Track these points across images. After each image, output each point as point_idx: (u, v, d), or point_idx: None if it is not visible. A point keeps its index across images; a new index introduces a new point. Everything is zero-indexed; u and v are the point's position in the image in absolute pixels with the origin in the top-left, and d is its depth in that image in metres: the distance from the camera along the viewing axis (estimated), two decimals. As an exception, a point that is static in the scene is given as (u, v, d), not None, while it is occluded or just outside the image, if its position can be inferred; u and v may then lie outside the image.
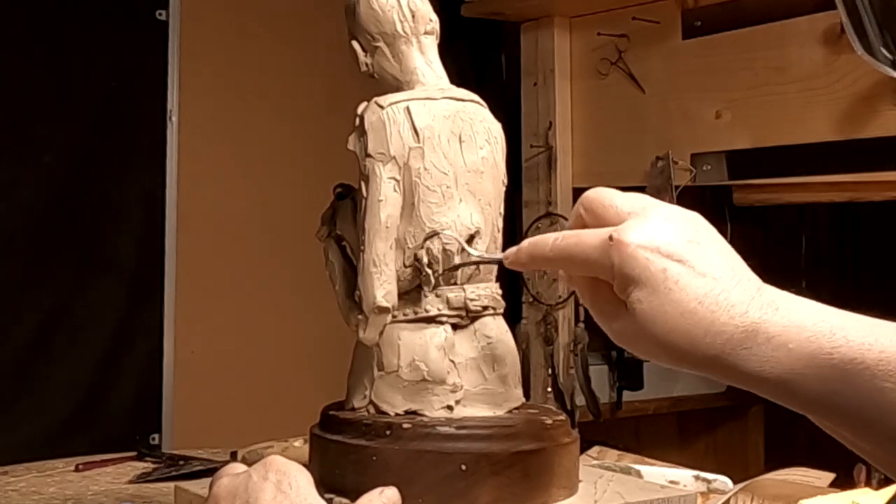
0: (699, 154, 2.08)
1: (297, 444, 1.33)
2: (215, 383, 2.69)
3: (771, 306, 0.68)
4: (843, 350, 0.66)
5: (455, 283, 0.96)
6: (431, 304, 0.95)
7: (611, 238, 0.70)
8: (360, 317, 0.94)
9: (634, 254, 0.69)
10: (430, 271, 0.93)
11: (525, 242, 0.78)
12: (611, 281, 0.71)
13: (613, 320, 0.71)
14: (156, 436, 2.60)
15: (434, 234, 0.94)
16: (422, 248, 0.94)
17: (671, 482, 1.30)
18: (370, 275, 0.92)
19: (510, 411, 0.97)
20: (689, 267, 0.69)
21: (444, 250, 0.94)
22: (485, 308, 0.97)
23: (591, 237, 0.72)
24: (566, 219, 2.34)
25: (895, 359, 0.66)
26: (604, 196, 0.75)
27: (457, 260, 0.94)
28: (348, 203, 1.01)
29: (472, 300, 0.95)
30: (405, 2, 1.00)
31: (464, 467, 0.87)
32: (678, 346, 0.68)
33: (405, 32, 0.99)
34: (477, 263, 0.95)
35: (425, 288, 0.94)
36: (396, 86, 0.99)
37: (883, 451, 0.70)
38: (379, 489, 0.78)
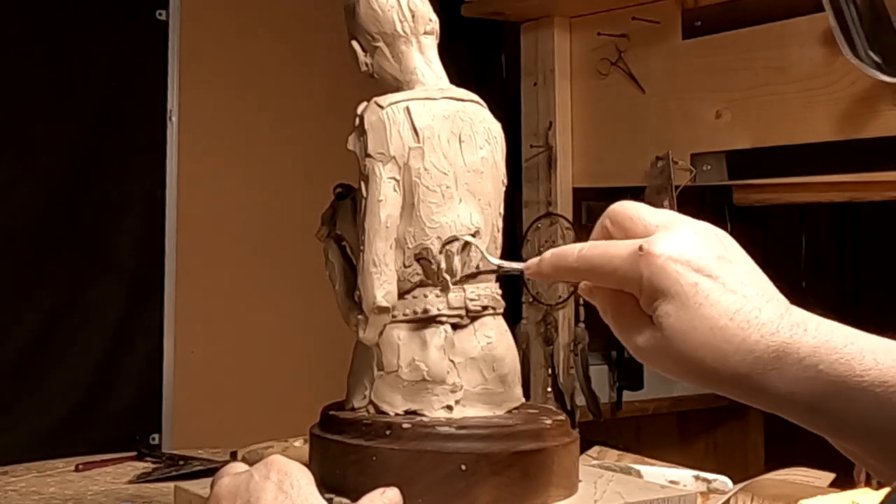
0: (699, 154, 2.08)
1: (297, 444, 1.33)
2: (215, 383, 2.69)
3: (800, 327, 0.67)
4: (874, 373, 0.65)
5: (455, 284, 0.96)
6: (431, 304, 0.95)
7: (640, 249, 0.68)
8: (359, 317, 0.94)
9: (665, 266, 0.67)
10: (447, 276, 0.93)
11: (548, 253, 0.76)
12: (637, 294, 0.69)
13: (638, 335, 0.70)
14: (156, 436, 2.60)
15: (454, 239, 0.93)
16: (441, 252, 0.93)
17: (671, 482, 1.30)
18: (370, 275, 0.92)
19: (510, 411, 0.97)
20: (720, 283, 0.67)
21: (444, 250, 0.94)
22: (485, 308, 0.97)
23: (619, 248, 0.70)
24: (566, 219, 2.34)
25: None
26: (631, 209, 0.73)
27: (475, 264, 0.94)
28: (348, 203, 1.01)
29: (471, 300, 0.95)
30: (405, 2, 1.00)
31: (464, 467, 0.87)
32: (706, 363, 0.67)
33: (405, 32, 0.99)
34: (496, 272, 0.94)
35: (439, 292, 0.94)
36: (396, 86, 0.99)
37: None
38: (380, 490, 0.78)
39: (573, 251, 0.73)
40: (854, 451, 0.69)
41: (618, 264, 0.70)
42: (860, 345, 0.66)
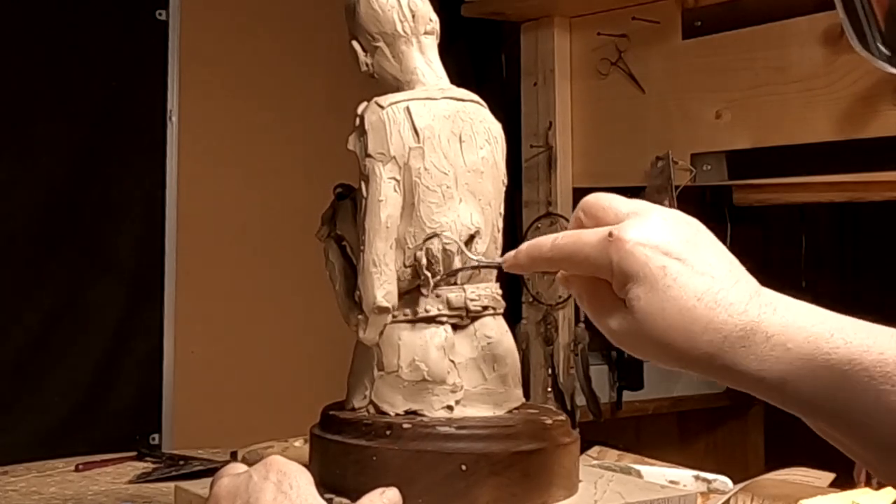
0: (699, 154, 2.08)
1: (297, 444, 1.33)
2: (215, 383, 2.69)
3: (769, 307, 0.69)
4: (842, 351, 0.67)
5: (455, 284, 0.96)
6: (431, 305, 0.95)
7: (610, 235, 0.70)
8: (360, 317, 0.94)
9: (633, 250, 0.69)
10: (428, 273, 0.93)
11: (524, 245, 0.78)
12: (609, 279, 0.71)
13: (611, 319, 0.71)
14: (156, 436, 2.60)
15: (434, 236, 0.94)
16: (421, 248, 0.94)
17: (671, 482, 1.30)
18: (370, 275, 0.92)
19: (510, 411, 0.97)
20: (688, 265, 0.69)
21: (445, 251, 0.94)
22: (485, 308, 0.97)
23: (589, 235, 0.72)
24: (566, 219, 2.34)
25: (893, 362, 0.66)
26: (602, 199, 0.75)
27: (457, 263, 0.94)
28: (348, 203, 1.01)
29: (472, 300, 0.95)
30: (405, 2, 1.00)
31: (464, 467, 0.87)
32: (676, 343, 0.68)
33: (405, 32, 0.99)
34: (476, 268, 0.95)
35: (423, 289, 0.94)
36: (396, 86, 0.99)
37: (876, 456, 0.69)
38: (380, 490, 0.78)
39: (547, 241, 0.75)
40: (824, 428, 0.70)
41: (589, 251, 0.72)
42: (829, 324, 0.68)
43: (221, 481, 0.75)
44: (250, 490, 0.72)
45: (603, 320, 0.72)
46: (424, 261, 0.93)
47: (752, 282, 0.71)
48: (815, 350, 0.67)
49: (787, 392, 0.68)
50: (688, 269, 0.69)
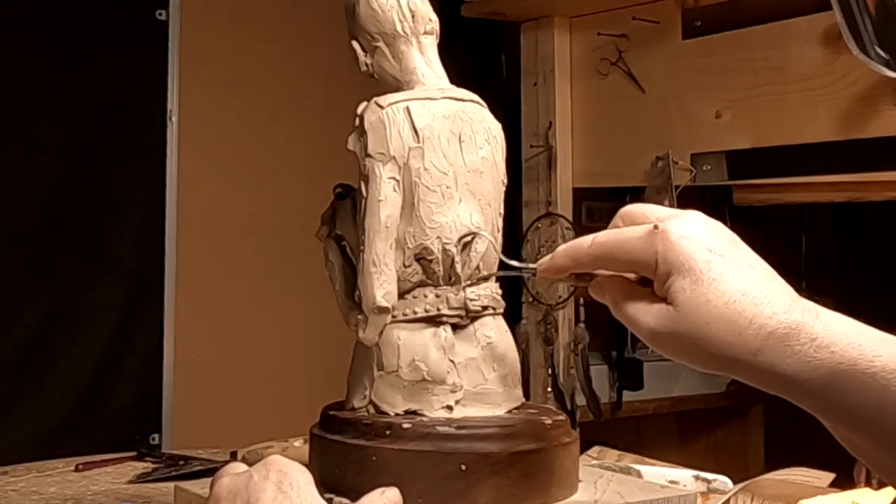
0: (699, 154, 2.08)
1: (297, 444, 1.33)
2: (215, 383, 2.69)
3: (812, 311, 0.69)
4: (884, 359, 0.66)
5: (455, 284, 0.96)
6: (431, 304, 0.95)
7: (655, 228, 0.71)
8: (359, 317, 0.94)
9: (679, 242, 0.70)
10: (459, 273, 0.93)
11: (560, 248, 0.78)
12: (650, 274, 0.71)
13: (651, 317, 0.71)
14: (156, 436, 2.60)
15: (473, 234, 0.94)
16: (457, 245, 0.94)
17: (671, 482, 1.30)
18: (370, 275, 0.92)
19: (510, 411, 0.97)
20: (732, 262, 0.70)
21: (444, 250, 0.94)
22: (485, 308, 0.97)
23: (633, 230, 0.73)
24: (566, 219, 2.34)
25: None
26: (642, 207, 0.76)
27: (475, 264, 0.94)
28: (348, 203, 1.01)
29: (471, 300, 0.95)
30: (405, 2, 1.00)
31: (463, 467, 0.87)
32: (719, 337, 0.68)
33: (405, 32, 0.99)
34: (511, 275, 0.94)
35: (437, 290, 0.94)
36: (396, 86, 0.99)
37: None
38: (380, 490, 0.78)
39: (588, 239, 0.76)
40: (853, 438, 0.70)
41: (633, 244, 0.72)
42: (872, 335, 0.68)
43: (222, 481, 0.75)
44: (250, 490, 0.72)
45: (642, 321, 0.72)
46: (458, 258, 0.93)
47: (790, 288, 0.71)
48: (859, 356, 0.67)
49: (827, 397, 0.68)
50: (732, 266, 0.70)
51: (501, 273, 0.94)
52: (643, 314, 0.72)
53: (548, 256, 0.79)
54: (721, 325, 0.68)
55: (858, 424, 0.69)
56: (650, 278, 0.72)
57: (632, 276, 0.75)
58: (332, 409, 0.98)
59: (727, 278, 0.69)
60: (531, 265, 0.85)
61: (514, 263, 0.91)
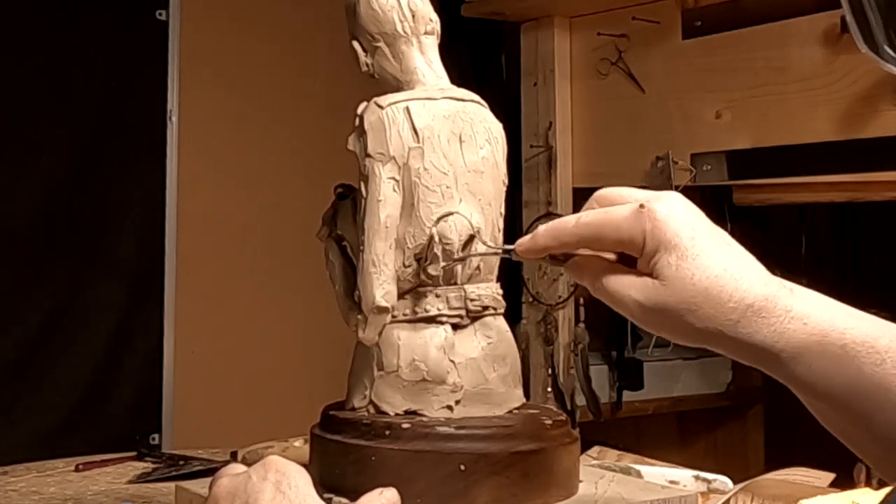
0: (699, 154, 2.08)
1: (297, 444, 1.33)
2: (215, 383, 2.69)
3: (787, 287, 0.73)
4: (855, 333, 0.70)
5: (455, 283, 0.96)
6: (431, 304, 0.95)
7: (642, 206, 0.74)
8: (359, 317, 0.94)
9: (667, 220, 0.74)
10: (437, 253, 0.93)
11: (542, 226, 0.80)
12: (635, 251, 0.74)
13: (636, 292, 0.74)
14: (156, 436, 2.60)
15: (447, 215, 0.94)
16: (434, 226, 0.94)
17: (671, 482, 1.30)
18: (369, 275, 0.92)
19: (510, 411, 0.97)
20: (714, 241, 0.74)
21: (444, 250, 0.94)
22: (485, 308, 0.97)
23: (620, 209, 0.76)
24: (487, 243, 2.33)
25: None
26: (618, 190, 0.79)
27: (476, 264, 0.94)
28: (349, 203, 1.01)
29: (472, 300, 0.95)
30: (405, 2, 1.00)
31: (463, 467, 0.87)
32: (702, 309, 0.71)
33: (405, 32, 0.99)
34: (485, 255, 0.95)
35: (431, 269, 0.94)
36: (397, 86, 0.99)
37: (882, 449, 0.72)
38: (378, 490, 0.79)
39: (570, 219, 0.78)
40: (827, 412, 0.74)
41: (620, 222, 0.75)
42: (844, 309, 0.73)
43: (220, 481, 0.75)
44: (249, 490, 0.72)
45: (626, 294, 0.75)
46: (439, 245, 0.93)
47: (763, 268, 0.75)
48: (831, 329, 0.71)
49: (800, 368, 0.71)
50: (713, 244, 0.73)
51: (478, 254, 0.94)
52: (628, 289, 0.75)
53: (527, 236, 0.81)
54: (704, 299, 0.72)
55: (830, 397, 0.72)
56: (635, 256, 0.75)
57: (611, 256, 0.78)
58: (333, 409, 0.98)
59: (710, 255, 0.72)
60: (508, 246, 0.86)
61: (490, 244, 0.92)
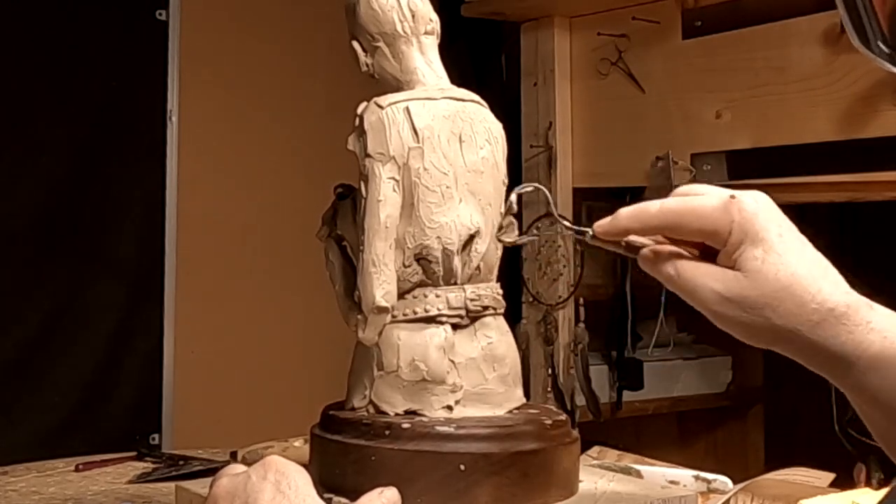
0: (699, 154, 2.08)
1: (297, 444, 1.33)
2: (215, 383, 2.69)
3: (867, 301, 0.74)
4: None
5: (455, 283, 0.96)
6: (431, 304, 0.95)
7: (732, 197, 0.75)
8: (359, 317, 0.94)
9: (757, 214, 0.74)
10: (506, 224, 0.93)
11: (621, 210, 0.79)
12: (718, 241, 0.74)
13: (717, 282, 0.74)
14: (156, 436, 2.60)
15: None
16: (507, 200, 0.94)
17: (671, 482, 1.30)
18: (369, 275, 0.92)
19: (510, 411, 0.97)
20: (798, 241, 0.75)
21: (444, 250, 0.94)
22: (485, 308, 0.97)
23: (707, 199, 0.76)
24: (567, 219, 2.33)
25: None
26: (704, 187, 0.79)
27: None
28: (349, 203, 1.01)
29: (472, 300, 0.95)
30: (405, 2, 1.00)
31: (463, 467, 0.87)
32: (784, 306, 0.72)
33: (405, 32, 0.99)
34: (562, 234, 0.94)
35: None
36: (397, 86, 0.99)
37: None
38: (378, 490, 0.79)
39: (654, 204, 0.78)
40: (886, 424, 0.74)
41: (708, 211, 0.75)
42: None
43: (220, 482, 0.75)
44: (248, 490, 0.72)
45: (707, 285, 0.74)
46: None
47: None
48: None
49: (872, 379, 0.71)
50: (798, 244, 0.74)
51: (555, 233, 0.93)
52: (709, 279, 0.74)
53: (607, 218, 0.80)
54: (788, 295, 0.72)
55: (892, 408, 0.72)
56: (716, 247, 0.75)
57: (690, 251, 0.78)
58: (333, 409, 0.98)
59: (795, 254, 0.73)
60: (583, 228, 0.84)
61: (566, 222, 0.89)
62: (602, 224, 0.81)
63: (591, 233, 0.82)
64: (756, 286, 0.72)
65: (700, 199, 0.76)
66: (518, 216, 0.95)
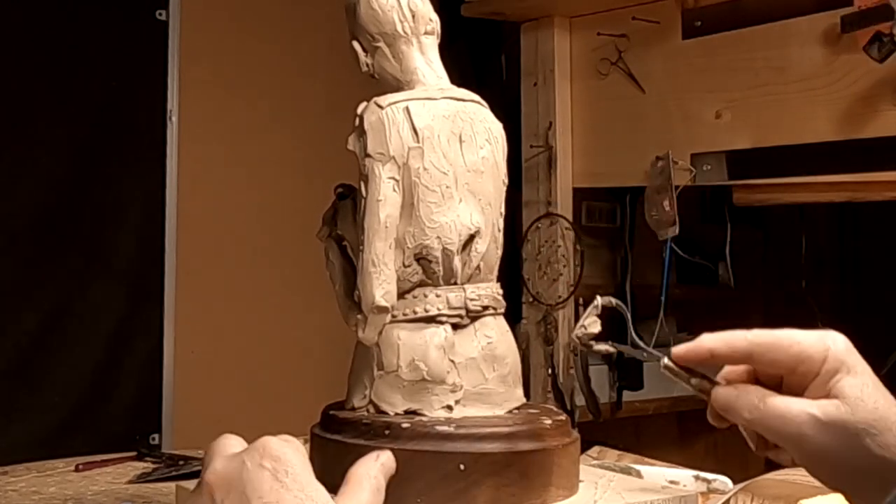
0: (699, 154, 2.08)
1: (296, 444, 1.33)
2: (215, 383, 2.69)
3: None
4: None
5: (455, 283, 0.96)
6: (431, 304, 0.95)
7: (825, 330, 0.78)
8: (359, 316, 0.94)
9: (849, 345, 0.77)
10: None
11: (705, 336, 0.81)
12: (811, 369, 0.76)
13: (813, 408, 0.76)
14: (156, 436, 2.60)
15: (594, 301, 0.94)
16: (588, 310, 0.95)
17: (671, 482, 1.30)
18: (369, 274, 0.92)
19: (510, 411, 0.97)
20: (878, 380, 0.78)
21: (444, 249, 0.94)
22: (485, 308, 0.97)
23: (797, 331, 0.79)
24: (566, 219, 2.34)
25: None
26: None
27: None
28: (349, 203, 1.01)
29: (472, 300, 0.95)
30: (405, 2, 1.00)
31: (462, 467, 0.87)
32: (883, 435, 0.74)
33: (405, 32, 0.99)
34: (638, 357, 0.94)
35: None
36: (397, 86, 0.99)
37: None
38: (375, 453, 0.76)
39: (742, 332, 0.80)
40: None
41: (802, 339, 0.78)
42: None
43: (214, 466, 0.70)
44: (245, 479, 0.68)
45: (801, 411, 0.76)
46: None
47: None
48: None
49: None
50: (879, 382, 0.78)
51: (630, 354, 0.93)
52: (805, 405, 0.76)
53: (687, 345, 0.82)
54: (885, 427, 0.74)
55: None
56: (808, 375, 0.77)
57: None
58: (333, 409, 0.98)
59: (883, 388, 0.76)
60: (654, 351, 0.85)
61: (641, 344, 0.90)
62: (682, 348, 0.82)
63: (665, 360, 0.82)
64: (857, 413, 0.74)
65: (792, 330, 0.78)
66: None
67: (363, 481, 0.73)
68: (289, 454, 0.70)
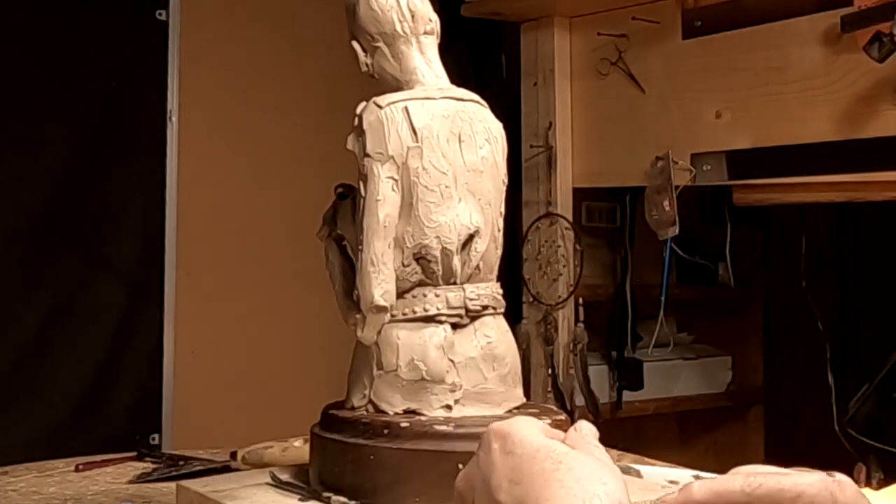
0: (699, 154, 2.08)
1: (297, 444, 1.33)
2: (215, 383, 2.69)
3: None
4: None
5: (455, 283, 0.96)
6: (431, 304, 0.95)
7: (831, 474, 0.75)
8: (357, 316, 0.94)
9: (856, 492, 0.75)
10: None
11: (694, 485, 0.78)
12: None
13: None
14: (156, 436, 2.60)
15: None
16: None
17: (671, 482, 1.30)
18: (368, 274, 0.92)
19: (510, 411, 0.97)
20: None
21: (443, 249, 0.94)
22: (485, 308, 0.97)
23: (801, 475, 0.75)
24: (566, 219, 2.34)
25: None
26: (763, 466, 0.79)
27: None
28: (349, 203, 1.01)
29: (471, 300, 0.95)
30: (405, 2, 1.00)
31: (461, 466, 0.87)
32: None
33: (405, 32, 0.99)
34: None
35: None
36: (396, 86, 0.99)
37: None
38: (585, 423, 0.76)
39: (736, 479, 0.76)
40: None
41: (805, 485, 0.74)
42: None
43: (459, 475, 0.72)
44: (482, 467, 0.69)
45: None
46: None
47: None
48: None
49: None
50: None
51: None
52: None
53: (671, 496, 0.78)
54: None
55: None
56: None
57: None
58: (332, 409, 0.98)
59: None
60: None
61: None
62: (669, 499, 0.78)
63: None
64: None
65: (793, 475, 0.75)
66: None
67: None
68: (514, 427, 0.69)
